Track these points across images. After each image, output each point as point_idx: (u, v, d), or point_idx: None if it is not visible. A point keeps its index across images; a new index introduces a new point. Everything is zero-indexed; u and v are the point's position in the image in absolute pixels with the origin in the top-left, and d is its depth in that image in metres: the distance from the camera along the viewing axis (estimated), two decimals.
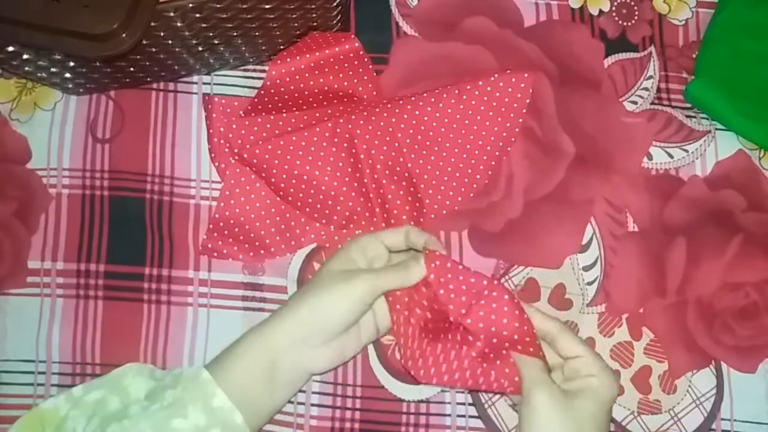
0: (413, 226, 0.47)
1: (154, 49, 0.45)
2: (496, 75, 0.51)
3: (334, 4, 0.47)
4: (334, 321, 0.42)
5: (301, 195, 0.50)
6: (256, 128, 0.50)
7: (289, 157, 0.49)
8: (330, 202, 0.50)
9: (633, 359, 0.50)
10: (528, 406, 0.41)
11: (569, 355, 0.43)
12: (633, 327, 0.50)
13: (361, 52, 0.52)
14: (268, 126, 0.50)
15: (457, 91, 0.50)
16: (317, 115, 0.50)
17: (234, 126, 0.50)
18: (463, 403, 0.49)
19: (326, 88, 0.52)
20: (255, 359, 0.42)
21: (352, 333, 0.44)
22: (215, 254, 0.51)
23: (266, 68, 0.52)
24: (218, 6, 0.41)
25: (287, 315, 0.43)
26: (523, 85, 0.51)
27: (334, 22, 0.50)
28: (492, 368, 0.43)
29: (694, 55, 0.54)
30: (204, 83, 0.53)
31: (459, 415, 0.49)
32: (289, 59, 0.51)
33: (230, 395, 0.40)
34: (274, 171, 0.49)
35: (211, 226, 0.51)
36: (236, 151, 0.50)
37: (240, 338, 0.43)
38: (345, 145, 0.50)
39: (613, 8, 0.55)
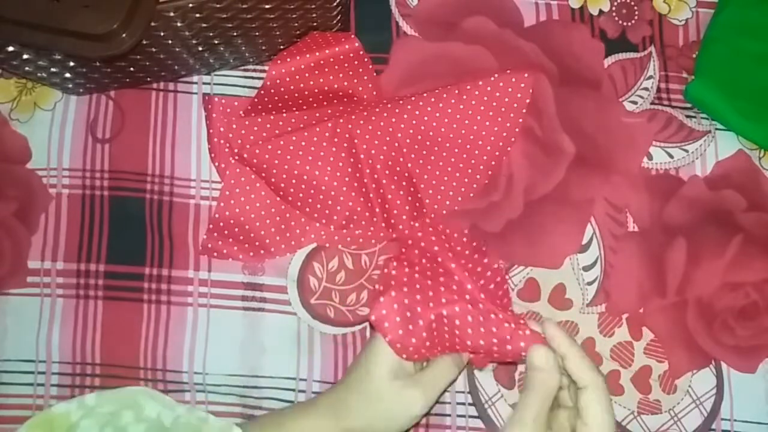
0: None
1: (154, 49, 0.45)
2: (496, 75, 0.51)
3: (334, 4, 0.47)
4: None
5: (301, 195, 0.50)
6: (256, 128, 0.50)
7: (289, 157, 0.49)
8: (330, 202, 0.50)
9: (633, 359, 0.50)
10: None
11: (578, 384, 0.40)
12: (633, 327, 0.50)
13: (361, 52, 0.52)
14: (268, 126, 0.50)
15: (457, 91, 0.50)
16: (317, 115, 0.50)
17: (234, 126, 0.50)
18: (463, 403, 0.49)
19: (326, 88, 0.52)
20: None
21: None
22: (215, 254, 0.51)
23: (266, 68, 0.52)
24: (218, 6, 0.41)
25: (325, 405, 0.42)
26: (523, 85, 0.51)
27: (334, 22, 0.50)
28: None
29: (694, 55, 0.54)
30: (204, 83, 0.53)
31: (459, 415, 0.49)
32: (289, 59, 0.51)
33: None
34: (274, 171, 0.49)
35: (211, 226, 0.51)
36: (236, 151, 0.50)
37: (282, 410, 0.43)
38: (345, 145, 0.50)
39: (613, 8, 0.55)
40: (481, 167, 0.51)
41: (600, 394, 0.39)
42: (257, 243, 0.50)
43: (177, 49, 0.46)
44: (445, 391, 0.43)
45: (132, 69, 0.48)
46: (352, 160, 0.50)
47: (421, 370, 0.44)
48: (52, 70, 0.47)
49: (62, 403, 0.41)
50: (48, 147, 0.52)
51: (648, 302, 0.50)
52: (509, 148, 0.52)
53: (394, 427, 0.42)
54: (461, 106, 0.51)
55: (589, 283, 0.51)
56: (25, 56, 0.44)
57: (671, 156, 0.53)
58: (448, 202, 0.51)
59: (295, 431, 0.41)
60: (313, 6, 0.46)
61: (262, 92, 0.51)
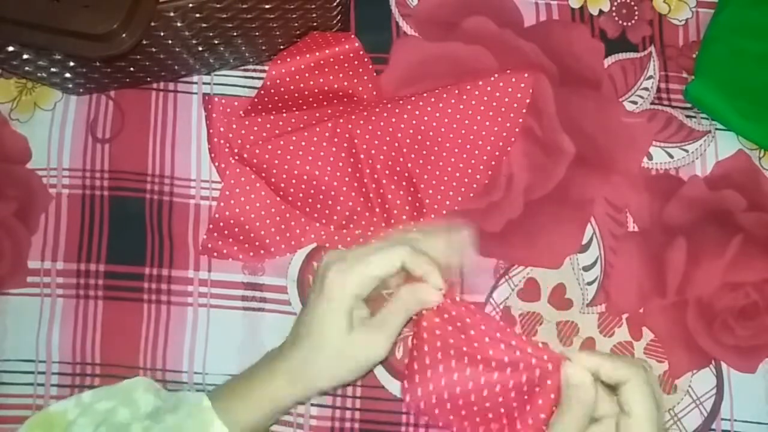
0: (409, 252, 0.40)
1: (154, 49, 0.45)
2: (496, 75, 0.51)
3: (334, 4, 0.47)
4: (333, 384, 0.41)
5: (301, 195, 0.50)
6: (256, 128, 0.50)
7: (289, 157, 0.49)
8: (330, 202, 0.50)
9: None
10: None
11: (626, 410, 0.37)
12: (633, 327, 0.50)
13: (361, 52, 0.52)
14: (268, 126, 0.50)
15: (457, 91, 0.50)
16: (317, 115, 0.50)
17: (234, 126, 0.50)
18: None
19: (326, 88, 0.52)
20: (256, 404, 0.41)
21: None
22: (215, 254, 0.51)
23: (266, 68, 0.52)
24: (218, 6, 0.41)
25: (290, 375, 0.41)
26: (523, 85, 0.51)
27: (334, 22, 0.50)
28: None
29: (694, 55, 0.54)
30: (204, 83, 0.53)
31: None
32: (289, 59, 0.51)
33: (229, 427, 0.39)
34: (274, 171, 0.49)
35: (211, 226, 0.51)
36: (236, 151, 0.50)
37: (243, 377, 0.42)
38: (345, 145, 0.50)
39: (613, 8, 0.55)
40: (481, 167, 0.51)
41: (640, 383, 0.37)
42: (257, 243, 0.50)
43: (177, 49, 0.46)
44: (404, 327, 0.41)
45: (132, 69, 0.48)
46: (352, 160, 0.50)
47: (378, 313, 0.41)
48: (52, 70, 0.47)
49: (60, 402, 0.41)
50: (48, 147, 0.52)
51: (648, 302, 0.50)
52: (509, 148, 0.52)
53: (360, 373, 0.41)
54: (461, 106, 0.51)
55: (589, 283, 0.51)
56: (25, 56, 0.44)
57: (671, 156, 0.53)
58: (448, 202, 0.51)
59: (264, 400, 0.41)
60: (313, 6, 0.46)
61: (262, 92, 0.51)
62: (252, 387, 0.41)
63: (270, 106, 0.51)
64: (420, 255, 0.40)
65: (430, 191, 0.51)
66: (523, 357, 0.38)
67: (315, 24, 0.50)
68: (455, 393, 0.39)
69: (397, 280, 0.42)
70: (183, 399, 0.41)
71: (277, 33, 0.49)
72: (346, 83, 0.52)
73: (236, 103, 0.52)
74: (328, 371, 0.41)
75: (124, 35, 0.37)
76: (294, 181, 0.50)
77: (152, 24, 0.40)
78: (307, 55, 0.51)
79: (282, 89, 0.51)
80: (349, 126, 0.49)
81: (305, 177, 0.50)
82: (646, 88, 0.54)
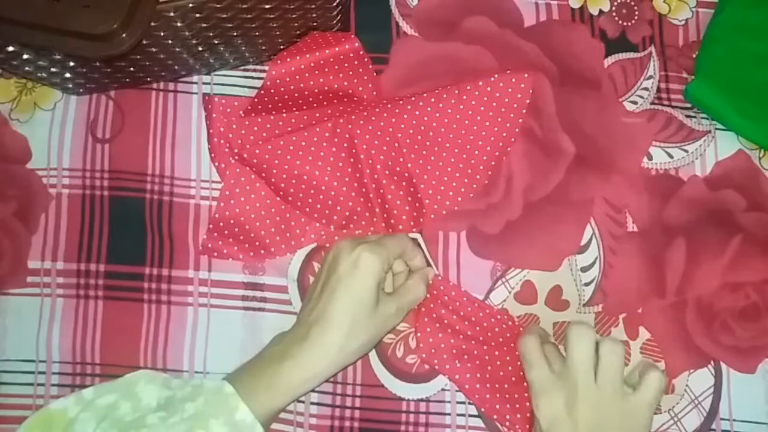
0: (409, 245, 0.48)
1: (154, 49, 0.45)
2: (496, 75, 0.51)
3: (334, 4, 0.47)
4: (359, 356, 0.45)
5: (301, 195, 0.50)
6: (256, 128, 0.50)
7: (289, 157, 0.49)
8: (330, 202, 0.50)
9: (630, 359, 0.50)
10: None
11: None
12: (629, 326, 0.50)
13: (361, 52, 0.52)
14: (268, 126, 0.50)
15: (457, 92, 0.50)
16: (317, 115, 0.50)
17: (234, 126, 0.50)
18: (463, 403, 0.49)
19: (326, 88, 0.52)
20: (283, 389, 0.42)
21: None
22: (215, 254, 0.51)
23: (266, 68, 0.52)
24: (218, 6, 0.41)
25: (316, 354, 0.43)
26: (523, 85, 0.51)
27: (334, 22, 0.50)
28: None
29: (694, 55, 0.54)
30: (204, 83, 0.53)
31: (459, 414, 0.49)
32: (289, 59, 0.51)
33: (253, 411, 0.40)
34: (274, 171, 0.50)
35: (211, 226, 0.51)
36: (236, 151, 0.50)
37: (263, 363, 0.43)
38: (345, 145, 0.50)
39: (613, 8, 0.55)
40: (481, 167, 0.51)
41: (576, 326, 0.45)
42: (257, 243, 0.51)
43: (177, 49, 0.46)
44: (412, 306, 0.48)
45: (132, 69, 0.48)
46: (352, 160, 0.50)
47: (395, 291, 0.47)
48: (52, 70, 0.47)
49: (60, 400, 0.41)
50: (48, 147, 0.52)
51: (647, 302, 0.50)
52: (509, 148, 0.52)
53: (375, 344, 0.47)
54: (461, 106, 0.51)
55: (587, 284, 0.51)
56: (25, 56, 0.44)
57: (671, 156, 0.53)
58: (448, 202, 0.51)
59: (293, 385, 0.42)
60: (313, 6, 0.46)
61: (262, 92, 0.51)
62: (279, 373, 0.42)
63: (270, 106, 0.51)
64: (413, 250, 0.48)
65: (430, 191, 0.51)
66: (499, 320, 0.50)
67: (315, 24, 0.50)
68: (457, 345, 0.49)
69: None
70: (201, 387, 0.42)
71: (277, 33, 0.49)
72: (346, 83, 0.52)
73: (236, 103, 0.52)
74: (359, 345, 0.44)
75: (124, 35, 0.37)
76: (294, 181, 0.50)
77: (152, 24, 0.40)
78: (307, 55, 0.51)
79: (282, 89, 0.51)
80: (349, 126, 0.49)
81: (305, 177, 0.50)
82: (646, 88, 0.54)
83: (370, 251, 0.44)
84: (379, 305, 0.44)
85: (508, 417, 0.48)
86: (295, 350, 0.42)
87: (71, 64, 0.46)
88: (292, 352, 0.43)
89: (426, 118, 0.50)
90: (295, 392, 0.43)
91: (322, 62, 0.52)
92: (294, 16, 0.47)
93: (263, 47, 0.51)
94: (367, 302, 0.43)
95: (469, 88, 0.50)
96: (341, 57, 0.52)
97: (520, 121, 0.51)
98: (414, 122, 0.50)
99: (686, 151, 0.53)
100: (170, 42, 0.45)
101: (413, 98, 0.50)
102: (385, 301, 0.45)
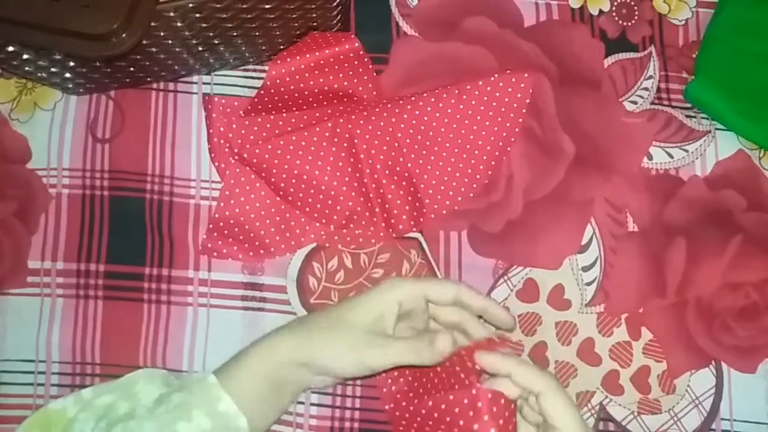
0: (467, 286, 0.44)
1: (154, 49, 0.45)
2: (496, 75, 0.51)
3: (334, 4, 0.47)
4: (335, 372, 0.43)
5: (301, 195, 0.50)
6: (256, 128, 0.50)
7: (289, 157, 0.49)
8: (330, 202, 0.50)
9: (632, 359, 0.50)
10: None
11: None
12: (632, 327, 0.50)
13: (361, 52, 0.52)
14: (268, 126, 0.50)
15: (457, 91, 0.50)
16: (317, 115, 0.50)
17: (234, 126, 0.50)
18: None
19: (326, 88, 0.52)
20: (263, 370, 0.42)
21: None
22: (215, 254, 0.51)
23: (266, 68, 0.52)
24: (218, 6, 0.41)
25: (296, 339, 0.42)
26: (523, 85, 0.51)
27: (334, 22, 0.50)
28: None
29: (694, 55, 0.54)
30: (204, 83, 0.53)
31: None
32: (289, 59, 0.51)
33: (236, 401, 0.40)
34: (274, 171, 0.50)
35: (211, 225, 0.51)
36: (236, 151, 0.50)
37: (249, 348, 0.43)
38: (345, 145, 0.50)
39: (613, 8, 0.55)
40: (481, 167, 0.51)
41: (556, 392, 0.39)
42: (257, 243, 0.50)
43: (177, 49, 0.46)
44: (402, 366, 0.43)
45: (132, 69, 0.48)
46: (352, 160, 0.50)
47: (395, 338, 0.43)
48: (52, 70, 0.47)
49: (59, 400, 0.41)
50: (48, 147, 0.52)
51: (648, 302, 0.50)
52: (509, 148, 0.52)
53: (354, 375, 0.43)
54: (461, 106, 0.51)
55: (588, 284, 0.51)
56: (25, 56, 0.44)
57: (671, 156, 0.53)
58: (448, 202, 0.51)
59: (270, 365, 0.41)
60: (313, 6, 0.46)
61: (262, 92, 0.51)
62: (256, 351, 0.42)
63: (270, 106, 0.51)
64: (478, 294, 0.44)
65: (430, 191, 0.51)
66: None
67: (315, 24, 0.50)
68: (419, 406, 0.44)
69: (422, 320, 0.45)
70: (188, 378, 0.42)
71: (277, 33, 0.49)
72: (346, 83, 0.52)
73: (236, 103, 0.52)
74: (323, 355, 0.41)
75: (124, 35, 0.37)
76: (294, 181, 0.50)
77: (152, 24, 0.40)
78: (307, 55, 0.51)
79: (282, 89, 0.51)
80: (349, 126, 0.49)
81: (305, 177, 0.50)
82: (646, 88, 0.54)
83: (397, 279, 0.43)
84: (373, 336, 0.42)
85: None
86: (275, 334, 0.43)
87: (71, 64, 0.46)
88: (272, 336, 0.42)
89: (426, 118, 0.50)
90: (273, 377, 0.41)
91: (322, 62, 0.52)
92: (294, 16, 0.47)
93: (263, 47, 0.51)
94: (367, 314, 0.42)
95: (469, 88, 0.50)
96: (341, 57, 0.52)
97: (520, 121, 0.51)
98: (414, 122, 0.50)
99: (686, 151, 0.53)
100: (170, 42, 0.45)
101: (413, 98, 0.50)
102: (380, 338, 0.42)
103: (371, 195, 0.49)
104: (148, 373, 0.43)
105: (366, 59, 0.52)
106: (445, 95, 0.50)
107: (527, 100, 0.51)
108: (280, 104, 0.51)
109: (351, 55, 0.52)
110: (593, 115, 0.53)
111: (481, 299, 0.44)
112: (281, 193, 0.50)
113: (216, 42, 0.47)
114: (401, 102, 0.50)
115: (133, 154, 0.52)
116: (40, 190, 0.51)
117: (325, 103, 0.51)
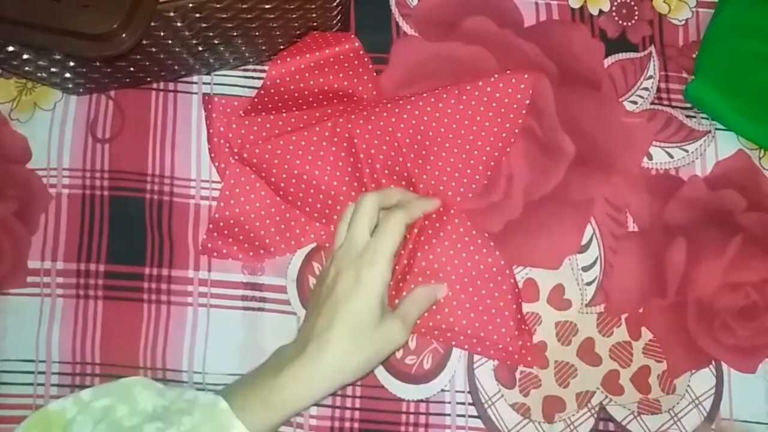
0: (402, 214, 0.46)
1: (154, 49, 0.45)
2: (496, 75, 0.51)
3: (334, 4, 0.47)
4: (359, 376, 0.44)
5: (301, 195, 0.50)
6: (256, 128, 0.50)
7: (289, 157, 0.49)
8: (330, 202, 0.50)
9: (632, 359, 0.50)
10: None
11: None
12: (632, 327, 0.50)
13: (361, 52, 0.52)
14: (268, 126, 0.50)
15: (457, 91, 0.50)
16: (317, 115, 0.50)
17: (234, 126, 0.50)
18: (463, 403, 0.49)
19: (326, 88, 0.52)
20: (278, 406, 0.41)
21: None
22: (215, 254, 0.51)
23: (266, 68, 0.52)
24: (218, 6, 0.41)
25: (313, 372, 0.42)
26: (523, 85, 0.51)
27: (334, 22, 0.50)
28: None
29: (694, 55, 0.54)
30: (204, 83, 0.53)
31: (459, 415, 0.49)
32: (289, 59, 0.51)
33: (246, 425, 0.39)
34: (274, 171, 0.50)
35: (211, 225, 0.51)
36: (236, 151, 0.50)
37: (258, 378, 0.42)
38: (345, 145, 0.50)
39: (613, 8, 0.55)
40: (481, 167, 0.51)
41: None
42: (257, 243, 0.51)
43: (177, 49, 0.46)
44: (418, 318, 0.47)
45: (132, 69, 0.48)
46: (352, 160, 0.50)
47: (398, 304, 0.47)
48: (52, 70, 0.47)
49: (58, 401, 0.41)
50: (48, 147, 0.52)
51: (648, 302, 0.50)
52: (509, 148, 0.52)
53: (381, 362, 0.45)
54: (461, 106, 0.51)
55: (588, 284, 0.51)
56: (25, 56, 0.44)
57: (671, 156, 0.53)
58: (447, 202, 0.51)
59: (286, 403, 0.41)
60: (313, 6, 0.46)
61: (262, 92, 0.51)
62: (273, 390, 0.41)
63: (270, 106, 0.51)
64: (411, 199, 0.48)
65: (430, 191, 0.51)
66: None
67: (315, 24, 0.50)
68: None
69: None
70: (196, 400, 0.41)
71: (277, 33, 0.49)
72: (346, 83, 0.52)
73: (236, 103, 0.52)
74: (358, 365, 0.43)
75: (124, 35, 0.37)
76: (294, 181, 0.50)
77: (152, 24, 0.40)
78: (307, 55, 0.51)
79: (282, 89, 0.51)
80: (349, 126, 0.49)
81: (305, 177, 0.50)
82: (646, 88, 0.54)
83: (370, 266, 0.43)
84: (382, 323, 0.43)
85: (500, 346, 0.48)
86: (292, 366, 0.42)
87: (71, 64, 0.46)
88: (289, 367, 0.42)
89: (426, 118, 0.50)
90: (290, 409, 0.41)
91: (322, 62, 0.52)
92: (294, 16, 0.47)
93: (263, 47, 0.51)
94: (368, 322, 0.43)
95: (469, 88, 0.50)
96: (341, 57, 0.52)
97: (520, 121, 0.51)
98: (414, 122, 0.50)
99: (686, 151, 0.53)
100: (170, 42, 0.45)
101: (413, 98, 0.50)
102: (388, 319, 0.44)
103: None
104: (143, 380, 0.43)
105: (366, 59, 0.52)
106: (445, 95, 0.50)
107: (527, 100, 0.51)
108: (280, 104, 0.51)
109: (351, 55, 0.52)
110: (593, 115, 0.53)
111: (409, 194, 0.48)
112: (281, 193, 0.50)
113: (216, 42, 0.47)
114: (401, 102, 0.50)
115: (133, 154, 0.52)
116: (40, 190, 0.51)
117: (325, 103, 0.51)
